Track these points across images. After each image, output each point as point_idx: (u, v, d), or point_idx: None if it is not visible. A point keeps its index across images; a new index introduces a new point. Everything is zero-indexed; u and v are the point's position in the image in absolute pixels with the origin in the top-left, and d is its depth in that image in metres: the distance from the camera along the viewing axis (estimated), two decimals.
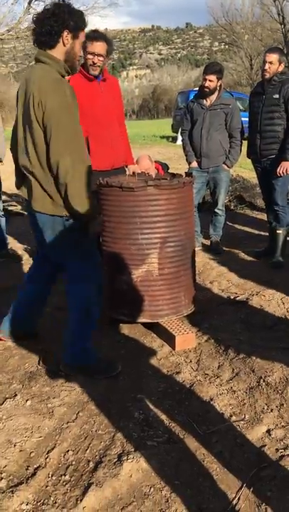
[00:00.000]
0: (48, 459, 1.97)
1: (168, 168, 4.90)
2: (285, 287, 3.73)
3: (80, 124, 3.28)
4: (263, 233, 5.36)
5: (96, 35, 3.23)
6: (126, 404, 2.32)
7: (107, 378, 2.54)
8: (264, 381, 2.46)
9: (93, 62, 3.27)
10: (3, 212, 4.75)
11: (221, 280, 3.99)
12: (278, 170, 4.08)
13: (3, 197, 5.33)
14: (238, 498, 1.73)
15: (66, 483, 1.84)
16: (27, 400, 2.36)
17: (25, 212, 6.74)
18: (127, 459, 1.92)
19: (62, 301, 3.60)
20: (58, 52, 2.29)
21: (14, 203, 7.46)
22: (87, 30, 3.34)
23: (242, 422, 2.15)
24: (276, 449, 1.97)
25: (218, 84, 4.46)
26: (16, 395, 2.41)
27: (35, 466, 1.93)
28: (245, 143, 4.55)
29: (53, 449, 2.02)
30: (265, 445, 2.00)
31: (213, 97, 4.49)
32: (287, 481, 1.79)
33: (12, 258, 4.69)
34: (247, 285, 3.85)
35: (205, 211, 5.30)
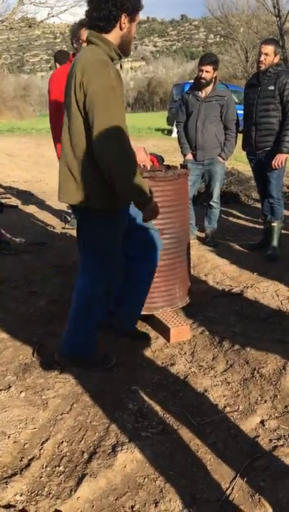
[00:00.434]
0: (42, 450, 1.97)
1: (163, 161, 4.88)
2: (279, 280, 3.75)
3: None
4: (257, 226, 5.37)
5: None
6: (120, 395, 2.32)
7: (101, 370, 2.54)
8: (258, 372, 2.47)
9: None
10: None
11: (216, 273, 3.99)
12: (273, 162, 4.08)
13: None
14: (232, 488, 1.74)
15: (60, 474, 1.84)
16: (21, 392, 2.36)
17: (18, 204, 6.73)
18: (122, 450, 1.92)
19: (57, 293, 3.61)
20: (114, 36, 2.17)
21: (8, 195, 7.41)
22: (79, 18, 3.31)
23: (236, 413, 2.16)
24: (270, 440, 1.98)
25: (214, 75, 4.44)
26: (10, 387, 2.41)
27: (29, 458, 1.93)
28: (240, 135, 4.55)
29: (47, 440, 2.02)
30: (259, 436, 2.01)
31: (209, 88, 4.48)
32: (280, 472, 1.81)
33: (6, 250, 4.66)
34: (241, 277, 3.85)
35: (199, 204, 5.29)
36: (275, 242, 4.34)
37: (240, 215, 6.13)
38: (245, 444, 1.97)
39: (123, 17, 2.14)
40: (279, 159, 4.06)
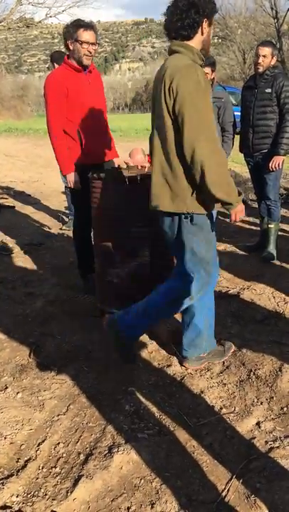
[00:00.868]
0: (38, 452, 1.97)
1: None
2: (275, 281, 3.75)
3: (71, 117, 3.27)
4: (254, 228, 5.38)
5: (89, 24, 3.19)
6: (117, 396, 2.32)
7: (97, 371, 2.54)
8: (254, 374, 2.48)
9: (89, 51, 3.23)
10: None
11: None
12: (270, 164, 4.09)
13: None
14: (228, 490, 1.75)
15: (57, 476, 1.84)
16: (18, 393, 2.36)
17: (15, 205, 6.72)
18: (118, 451, 1.93)
19: (54, 294, 3.61)
20: (196, 41, 2.22)
21: (5, 196, 7.41)
22: (73, 19, 3.30)
23: (232, 415, 2.17)
24: (265, 441, 1.99)
25: (212, 76, 4.45)
26: (6, 388, 2.41)
27: (25, 459, 1.93)
28: (237, 137, 4.56)
29: (43, 441, 2.03)
30: (255, 437, 2.02)
31: None
32: (276, 473, 1.81)
33: (3, 250, 4.66)
34: (238, 279, 3.86)
35: None
36: (271, 244, 4.36)
37: None
38: (241, 446, 1.97)
39: (204, 22, 2.19)
40: (276, 161, 4.07)
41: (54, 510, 1.67)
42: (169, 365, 2.61)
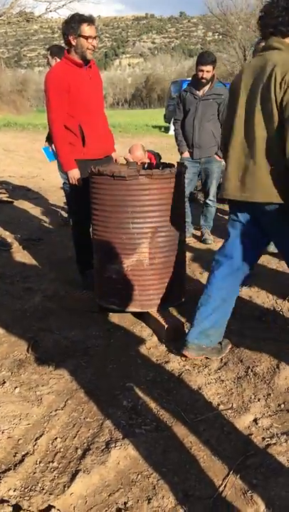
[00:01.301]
0: (36, 446, 1.97)
1: (160, 158, 4.89)
2: (273, 279, 3.76)
3: (72, 112, 3.26)
4: None
5: (91, 18, 3.19)
6: (115, 392, 2.33)
7: (95, 367, 2.55)
8: (252, 371, 2.49)
9: (93, 45, 3.22)
10: None
11: None
12: None
13: None
14: (225, 486, 1.75)
15: (54, 470, 1.85)
16: (16, 388, 2.36)
17: (14, 200, 6.70)
18: (115, 447, 1.93)
19: (52, 289, 3.61)
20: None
21: (3, 191, 7.39)
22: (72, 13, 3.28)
23: (229, 411, 2.18)
24: (262, 438, 1.99)
25: (212, 73, 4.44)
26: (4, 382, 2.41)
27: (23, 453, 1.94)
28: None
29: (41, 436, 2.03)
30: (252, 434, 2.02)
31: (206, 87, 4.47)
32: (272, 469, 1.82)
33: (1, 246, 4.65)
34: None
35: (195, 202, 5.30)
36: None
37: None
38: (238, 442, 1.98)
39: None
40: None
41: (51, 504, 1.67)
42: (167, 362, 2.61)
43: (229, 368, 2.53)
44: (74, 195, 3.52)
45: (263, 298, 3.42)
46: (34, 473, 1.84)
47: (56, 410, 2.20)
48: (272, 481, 1.76)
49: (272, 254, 4.30)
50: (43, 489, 1.75)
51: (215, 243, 4.77)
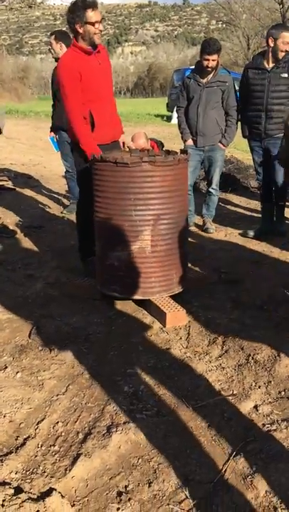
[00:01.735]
0: (37, 430, 1.98)
1: (163, 146, 4.86)
2: (275, 268, 3.76)
3: (84, 99, 3.25)
4: (255, 215, 5.37)
5: (94, 3, 3.16)
6: (116, 378, 2.33)
7: (97, 353, 2.56)
8: (253, 358, 2.49)
9: (100, 30, 3.20)
10: None
11: (213, 259, 4.00)
12: None
13: None
14: (225, 471, 1.76)
15: (55, 454, 1.86)
16: (17, 372, 2.37)
17: (15, 187, 6.68)
18: (116, 431, 1.94)
19: (54, 276, 3.61)
20: None
21: (5, 178, 7.36)
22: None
23: (230, 398, 2.18)
24: (263, 424, 2.00)
25: (217, 61, 4.39)
26: (6, 367, 2.42)
27: (24, 437, 1.95)
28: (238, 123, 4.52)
29: (42, 420, 2.04)
30: (253, 420, 2.03)
31: (211, 74, 4.42)
32: (273, 455, 1.83)
33: (4, 233, 4.64)
34: (238, 265, 3.86)
35: (196, 191, 5.28)
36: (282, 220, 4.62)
37: (238, 203, 6.12)
38: (238, 428, 1.99)
39: None
40: None
41: (52, 487, 1.68)
42: (168, 348, 2.62)
43: (230, 356, 2.53)
44: (82, 182, 3.50)
45: (264, 287, 3.42)
46: (35, 456, 1.85)
47: (58, 395, 2.21)
48: (273, 467, 1.77)
49: (271, 243, 4.30)
50: (44, 472, 1.77)
51: (217, 232, 4.76)
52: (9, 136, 11.19)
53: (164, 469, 1.77)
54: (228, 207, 5.94)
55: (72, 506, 1.61)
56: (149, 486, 1.70)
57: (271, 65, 4.09)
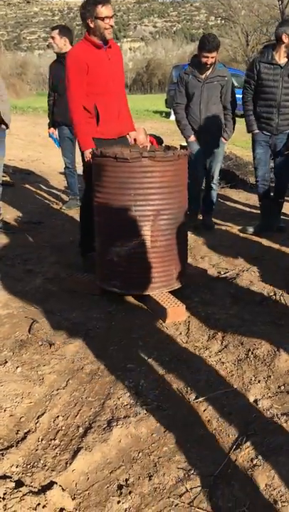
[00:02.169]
0: (38, 424, 1.99)
1: (162, 142, 4.86)
2: (275, 263, 3.76)
3: (89, 92, 3.25)
4: (254, 211, 5.37)
5: None
6: (116, 372, 2.34)
7: (96, 348, 2.56)
8: (252, 353, 2.50)
9: (110, 25, 3.21)
10: (1, 181, 4.68)
11: (212, 255, 4.00)
12: None
13: None
14: (225, 464, 1.77)
15: (56, 447, 1.86)
16: (17, 367, 2.38)
17: (13, 182, 6.67)
18: (117, 425, 1.95)
19: (53, 272, 3.61)
20: None
21: (4, 174, 7.33)
22: None
23: (230, 392, 2.19)
24: (263, 418, 2.01)
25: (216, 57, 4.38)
26: (6, 362, 2.42)
27: (25, 431, 1.95)
28: (239, 120, 4.51)
29: (43, 414, 2.04)
30: (252, 414, 2.04)
31: (209, 69, 4.39)
32: (272, 449, 1.84)
33: (6, 229, 4.63)
34: (237, 261, 3.87)
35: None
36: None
37: (237, 199, 6.12)
38: (238, 422, 2.00)
39: None
40: None
41: (53, 480, 1.69)
42: (168, 344, 2.62)
43: (230, 351, 2.54)
44: (88, 177, 3.49)
45: (264, 282, 3.42)
46: (36, 450, 1.85)
47: (58, 389, 2.21)
48: (273, 460, 1.77)
49: (271, 239, 4.31)
50: (45, 466, 1.77)
51: (216, 228, 4.76)
52: (8, 132, 11.14)
53: (164, 463, 1.78)
54: (228, 203, 5.94)
55: (73, 499, 1.62)
56: (150, 480, 1.71)
57: (283, 60, 4.05)
